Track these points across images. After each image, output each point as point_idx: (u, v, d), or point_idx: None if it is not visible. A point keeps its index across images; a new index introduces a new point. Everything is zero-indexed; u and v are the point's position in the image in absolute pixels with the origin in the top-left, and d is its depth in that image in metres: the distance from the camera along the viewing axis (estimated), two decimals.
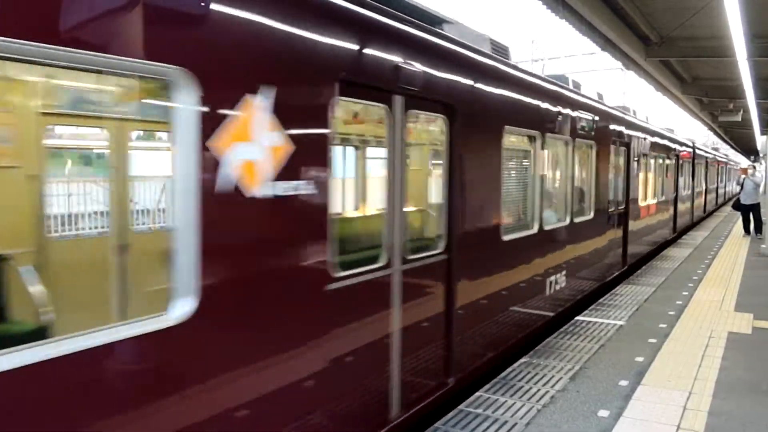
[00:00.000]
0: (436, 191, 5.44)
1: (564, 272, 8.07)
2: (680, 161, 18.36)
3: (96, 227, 12.62)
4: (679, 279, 11.04)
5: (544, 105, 7.16)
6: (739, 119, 23.59)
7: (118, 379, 2.61)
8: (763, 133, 34.97)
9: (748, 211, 18.16)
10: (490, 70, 5.98)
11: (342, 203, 7.37)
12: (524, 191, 6.96)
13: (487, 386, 5.58)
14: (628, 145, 11.27)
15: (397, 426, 4.48)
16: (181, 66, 2.74)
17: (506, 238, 6.27)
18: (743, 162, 55.76)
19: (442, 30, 5.37)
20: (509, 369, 6.07)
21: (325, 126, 3.67)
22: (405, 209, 4.65)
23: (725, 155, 46.62)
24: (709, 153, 29.15)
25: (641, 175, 12.91)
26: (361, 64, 4.02)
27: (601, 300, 9.26)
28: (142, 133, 6.36)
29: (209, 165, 2.89)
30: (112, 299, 4.63)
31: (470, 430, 4.68)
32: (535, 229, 7.08)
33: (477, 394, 5.40)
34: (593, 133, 9.25)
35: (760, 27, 12.32)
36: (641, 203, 13.04)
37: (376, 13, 4.26)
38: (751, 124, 29.39)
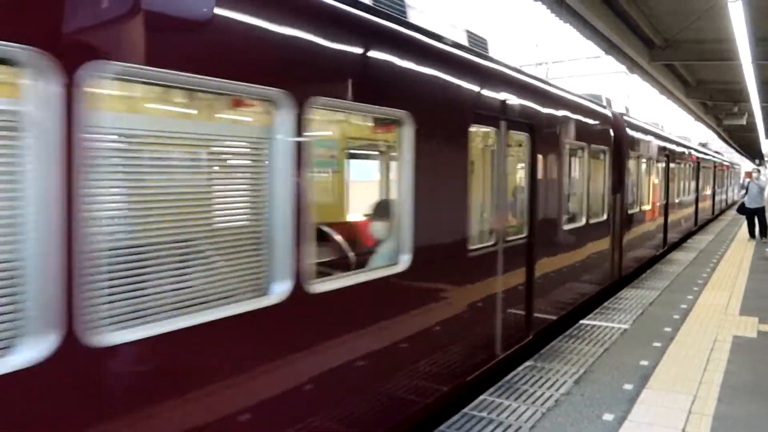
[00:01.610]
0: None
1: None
2: (591, 153, 9.02)
3: None
4: (684, 282, 11.01)
5: None
6: (744, 123, 23.58)
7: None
8: (767, 136, 34.87)
9: (753, 215, 18.11)
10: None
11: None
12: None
13: (491, 389, 5.57)
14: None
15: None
16: None
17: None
18: (743, 164, 54.43)
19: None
20: (513, 372, 6.07)
21: None
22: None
23: (717, 153, 35.29)
24: (676, 143, 17.14)
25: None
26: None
27: (605, 303, 9.25)
28: None
29: None
30: None
31: None
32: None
33: (481, 397, 5.40)
34: None
35: (764, 30, 12.31)
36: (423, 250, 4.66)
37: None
38: (755, 128, 29.36)
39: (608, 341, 7.16)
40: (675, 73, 19.16)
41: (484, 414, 5.02)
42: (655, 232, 14.17)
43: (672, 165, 15.97)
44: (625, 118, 11.37)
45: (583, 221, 8.78)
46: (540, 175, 7.00)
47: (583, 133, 8.65)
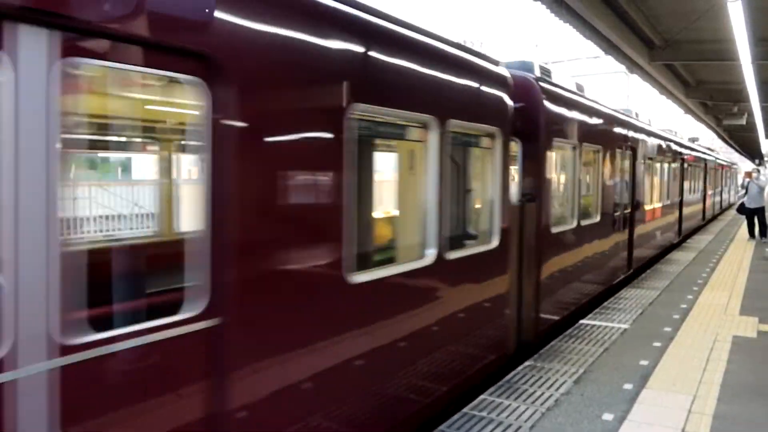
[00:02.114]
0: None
1: None
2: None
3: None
4: (684, 282, 11.01)
5: None
6: (744, 123, 23.57)
7: None
8: (767, 136, 34.89)
9: (753, 215, 18.13)
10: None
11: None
12: None
13: (491, 389, 5.57)
14: None
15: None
16: None
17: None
18: (743, 164, 54.26)
19: None
20: (513, 372, 6.07)
21: None
22: None
23: (710, 150, 29.55)
24: (647, 133, 13.20)
25: None
26: None
27: (605, 303, 9.25)
28: None
29: None
30: None
31: None
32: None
33: (481, 397, 5.40)
34: None
35: (764, 30, 12.32)
36: None
37: None
38: (755, 128, 29.36)
39: (608, 341, 7.16)
40: (675, 73, 19.16)
41: (484, 413, 5.02)
42: (611, 253, 10.41)
43: (642, 162, 12.45)
44: (544, 86, 7.31)
45: (429, 259, 4.88)
46: (248, 174, 3.20)
47: (421, 99, 4.80)
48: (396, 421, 4.51)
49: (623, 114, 11.46)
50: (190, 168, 3.43)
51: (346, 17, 3.98)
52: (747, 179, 18.97)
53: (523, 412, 5.06)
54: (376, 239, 5.69)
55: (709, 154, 26.08)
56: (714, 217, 28.04)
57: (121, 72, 2.90)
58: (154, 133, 4.28)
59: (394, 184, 5.59)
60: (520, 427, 4.76)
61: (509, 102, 6.21)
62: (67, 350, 2.39)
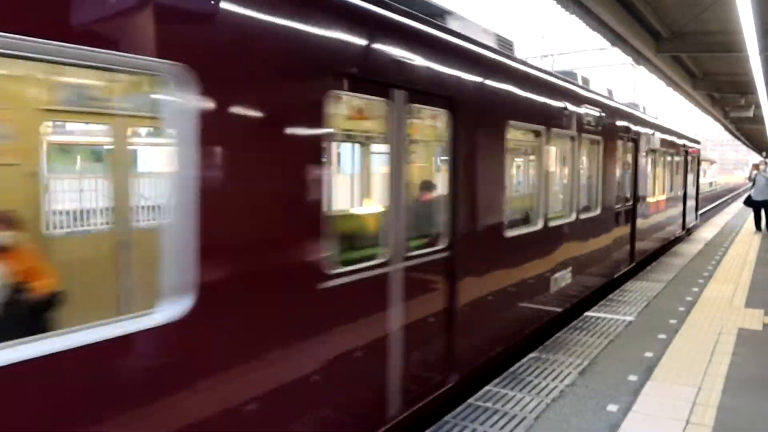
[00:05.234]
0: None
1: None
2: None
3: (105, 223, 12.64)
4: (689, 275, 11.00)
5: None
6: (751, 115, 23.44)
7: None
8: None
9: (760, 208, 18.06)
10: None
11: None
12: None
13: (496, 380, 5.60)
14: None
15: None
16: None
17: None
18: (751, 157, 53.82)
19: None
20: (518, 363, 6.09)
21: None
22: None
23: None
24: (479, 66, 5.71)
25: None
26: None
27: (610, 296, 9.26)
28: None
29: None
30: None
31: (480, 423, 4.71)
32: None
33: (486, 388, 5.43)
34: None
35: None
36: None
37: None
38: (762, 120, 29.15)
39: (613, 333, 7.17)
40: (681, 64, 19.04)
41: (489, 404, 5.05)
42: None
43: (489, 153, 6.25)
44: None
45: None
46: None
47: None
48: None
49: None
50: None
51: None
52: (755, 171, 18.92)
53: (528, 403, 5.09)
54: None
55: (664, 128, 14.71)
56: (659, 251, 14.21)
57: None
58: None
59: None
60: (525, 418, 4.79)
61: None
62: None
